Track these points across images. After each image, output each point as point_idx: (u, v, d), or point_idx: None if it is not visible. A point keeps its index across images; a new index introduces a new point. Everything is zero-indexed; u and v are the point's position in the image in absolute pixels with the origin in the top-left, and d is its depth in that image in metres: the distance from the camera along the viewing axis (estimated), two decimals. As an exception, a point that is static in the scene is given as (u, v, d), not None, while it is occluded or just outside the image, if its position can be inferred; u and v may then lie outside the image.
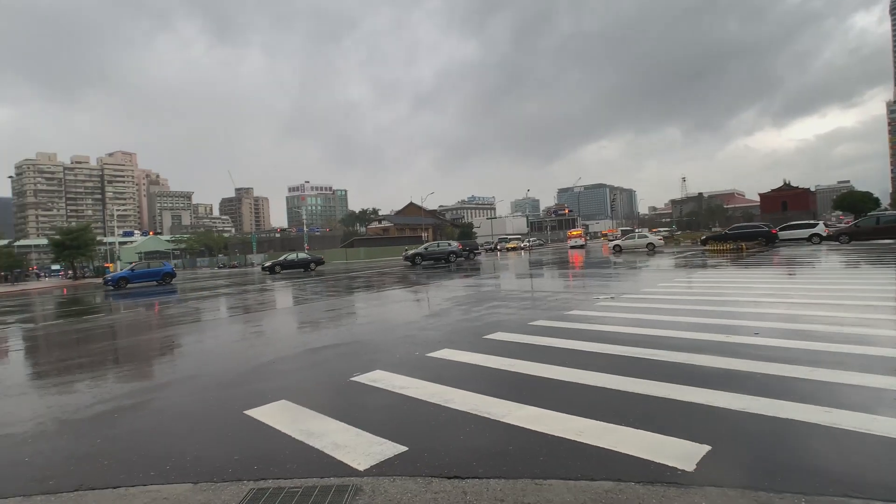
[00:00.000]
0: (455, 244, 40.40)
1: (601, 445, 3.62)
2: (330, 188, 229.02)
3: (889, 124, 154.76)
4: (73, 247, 50.56)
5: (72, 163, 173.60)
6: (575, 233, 66.47)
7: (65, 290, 36.75)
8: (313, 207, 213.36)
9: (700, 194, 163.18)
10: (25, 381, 7.17)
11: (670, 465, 3.26)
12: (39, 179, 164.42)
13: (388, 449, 3.74)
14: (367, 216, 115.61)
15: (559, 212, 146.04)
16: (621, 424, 3.97)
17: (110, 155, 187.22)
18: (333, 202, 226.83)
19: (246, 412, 4.74)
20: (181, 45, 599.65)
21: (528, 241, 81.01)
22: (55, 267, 76.60)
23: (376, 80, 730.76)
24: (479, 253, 44.85)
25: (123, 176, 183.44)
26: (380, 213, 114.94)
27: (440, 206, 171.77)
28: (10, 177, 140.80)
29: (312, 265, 39.86)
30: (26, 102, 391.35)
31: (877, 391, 4.43)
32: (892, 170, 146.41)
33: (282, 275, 35.92)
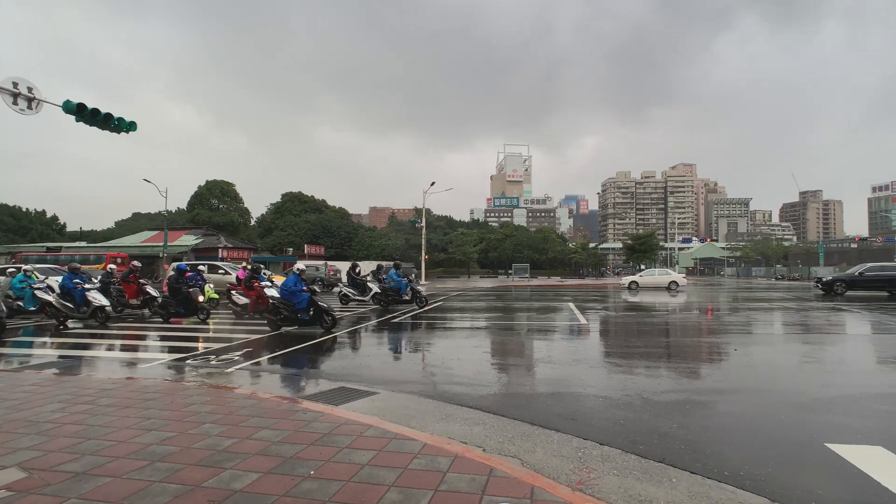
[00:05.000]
0: None
1: None
2: None
3: None
4: (640, 250, 58.59)
5: (641, 178, 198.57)
6: None
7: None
8: None
9: None
10: (614, 360, 8.86)
11: None
12: (617, 194, 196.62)
13: None
14: None
15: None
16: None
17: (672, 168, 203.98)
18: None
19: (828, 445, 4.32)
20: (742, 41, 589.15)
21: None
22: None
23: None
24: None
25: (683, 186, 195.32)
26: None
27: None
28: (598, 193, 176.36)
29: None
30: (607, 128, 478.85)
31: None
32: None
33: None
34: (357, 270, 19.89)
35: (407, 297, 17.73)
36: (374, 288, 18.29)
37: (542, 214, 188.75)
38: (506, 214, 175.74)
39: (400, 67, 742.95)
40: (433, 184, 43.43)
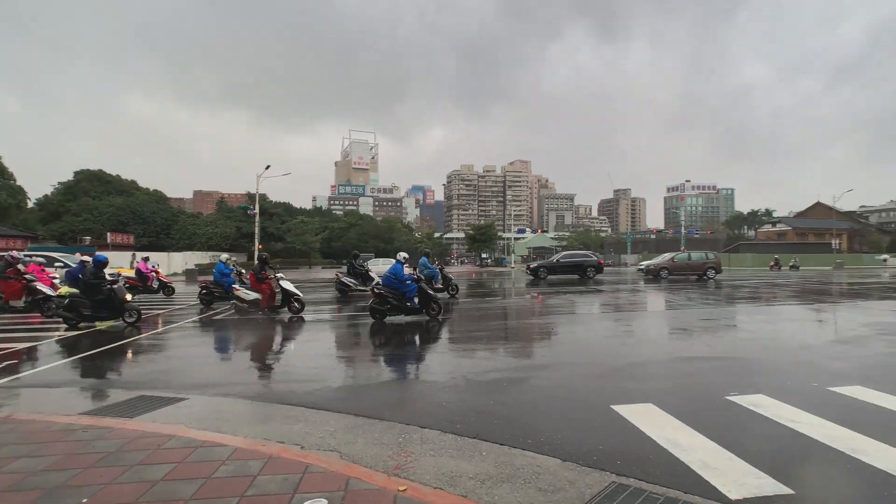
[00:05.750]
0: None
1: None
2: (713, 187, 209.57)
3: None
4: (480, 240, 61.90)
5: (483, 171, 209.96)
6: None
7: (482, 273, 45.14)
8: (693, 208, 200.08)
9: None
10: (450, 345, 9.19)
11: None
12: (461, 186, 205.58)
13: (768, 485, 3.31)
14: (757, 218, 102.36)
15: None
16: None
17: (511, 164, 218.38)
18: (717, 202, 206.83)
19: (613, 406, 4.93)
20: (570, 52, 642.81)
21: None
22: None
23: (779, 55, 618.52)
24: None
25: (520, 181, 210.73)
26: (774, 214, 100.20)
27: (861, 207, 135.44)
28: (444, 184, 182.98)
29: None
30: (453, 121, 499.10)
31: None
32: None
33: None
34: (359, 261, 20.19)
35: (440, 286, 17.29)
36: (377, 278, 16.96)
37: (389, 204, 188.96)
38: (351, 203, 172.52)
39: (230, 34, 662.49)
40: (268, 167, 40.58)
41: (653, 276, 29.46)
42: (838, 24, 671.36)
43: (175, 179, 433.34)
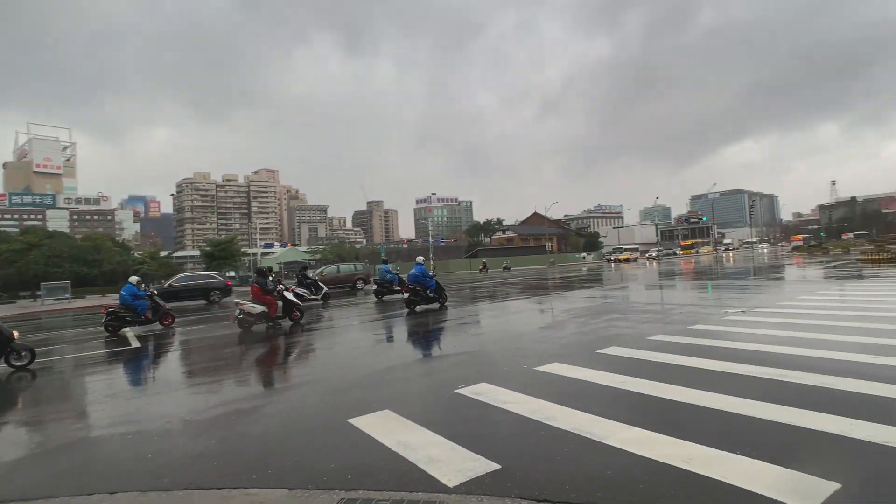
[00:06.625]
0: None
1: (710, 475, 3.27)
2: (455, 199, 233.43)
3: None
4: (220, 257, 56.39)
5: (223, 180, 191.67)
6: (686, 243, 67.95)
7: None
8: (439, 218, 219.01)
9: (853, 198, 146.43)
10: (173, 381, 8.02)
11: (788, 502, 2.88)
12: (195, 196, 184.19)
13: (481, 466, 3.61)
14: (491, 226, 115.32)
15: (691, 220, 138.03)
16: (736, 453, 3.58)
17: (255, 172, 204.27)
18: (459, 213, 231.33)
19: (349, 420, 4.82)
20: (317, 60, 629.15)
21: (657, 251, 76.49)
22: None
23: (502, 87, 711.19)
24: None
25: (267, 192, 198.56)
26: (504, 223, 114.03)
27: (565, 216, 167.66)
28: (172, 194, 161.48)
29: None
30: (183, 123, 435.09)
31: None
32: None
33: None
34: (307, 272, 22.16)
35: (397, 288, 19.55)
36: (325, 288, 20.89)
37: (97, 218, 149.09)
38: (34, 216, 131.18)
39: None
40: None
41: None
42: (544, 67, 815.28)
43: None
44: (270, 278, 14.80)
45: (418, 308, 15.01)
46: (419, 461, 3.77)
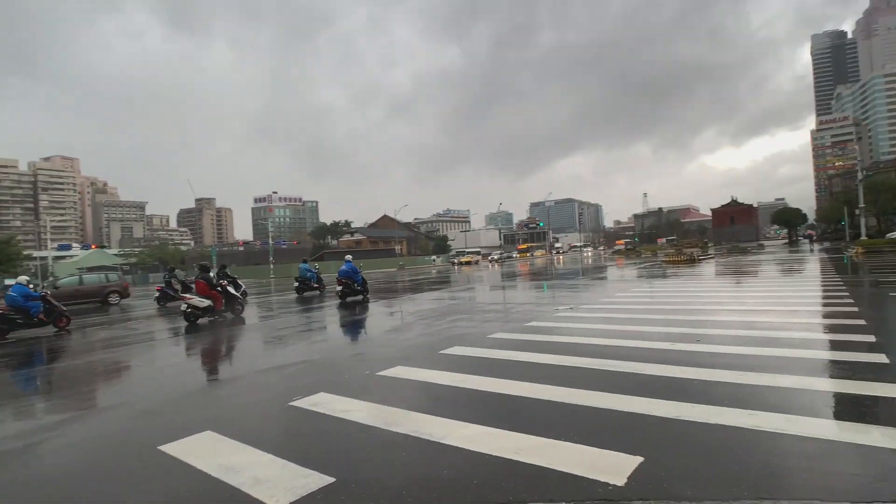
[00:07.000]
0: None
1: (538, 463, 3.47)
2: (300, 199, 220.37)
3: (813, 150, 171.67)
4: (-6, 262, 44.83)
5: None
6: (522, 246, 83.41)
7: None
8: (281, 219, 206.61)
9: (660, 209, 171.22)
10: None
11: (601, 480, 3.19)
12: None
13: (314, 481, 3.39)
14: (339, 228, 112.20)
15: (531, 225, 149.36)
16: (560, 439, 3.86)
17: (46, 160, 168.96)
18: (304, 214, 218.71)
19: (161, 448, 4.23)
20: (134, 33, 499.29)
21: (499, 255, 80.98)
22: None
23: (351, 84, 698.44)
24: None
25: (63, 183, 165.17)
26: (353, 225, 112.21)
27: (415, 219, 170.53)
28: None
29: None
30: None
31: (790, 392, 4.80)
32: (815, 189, 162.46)
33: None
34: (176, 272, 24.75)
35: (315, 285, 22.56)
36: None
37: None
38: None
39: None
40: None
41: None
42: (392, 68, 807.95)
43: None
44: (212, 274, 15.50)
45: (349, 299, 17.48)
46: (243, 484, 3.43)
